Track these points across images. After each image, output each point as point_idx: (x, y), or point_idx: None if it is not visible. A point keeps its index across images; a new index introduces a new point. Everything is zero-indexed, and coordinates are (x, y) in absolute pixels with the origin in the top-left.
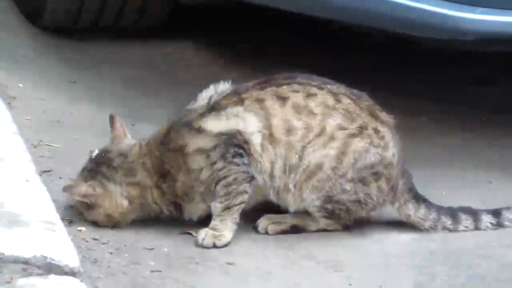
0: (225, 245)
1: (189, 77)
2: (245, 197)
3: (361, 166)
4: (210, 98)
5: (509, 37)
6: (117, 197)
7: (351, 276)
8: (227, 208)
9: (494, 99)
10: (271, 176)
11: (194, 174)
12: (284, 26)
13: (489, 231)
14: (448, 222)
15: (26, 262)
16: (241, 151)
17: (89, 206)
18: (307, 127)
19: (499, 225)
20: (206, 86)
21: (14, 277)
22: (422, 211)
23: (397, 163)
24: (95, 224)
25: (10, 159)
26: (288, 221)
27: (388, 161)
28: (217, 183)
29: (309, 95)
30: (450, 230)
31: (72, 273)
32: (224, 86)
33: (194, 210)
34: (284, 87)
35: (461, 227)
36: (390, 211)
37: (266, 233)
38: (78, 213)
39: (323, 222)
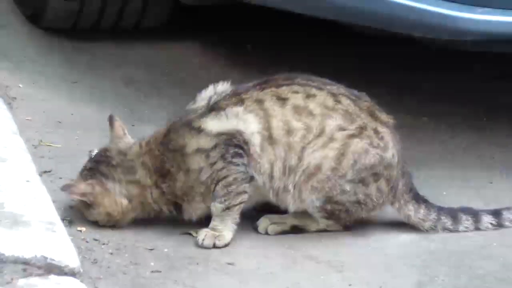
0: (226, 245)
1: (189, 77)
2: (245, 197)
3: (360, 167)
4: (210, 98)
5: (509, 37)
6: (116, 196)
7: (352, 276)
8: (227, 208)
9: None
10: (271, 177)
11: (194, 174)
12: (284, 26)
13: (490, 231)
14: (448, 222)
15: (26, 262)
16: (240, 151)
17: (89, 205)
18: (306, 128)
19: (499, 225)
20: (206, 86)
21: (15, 277)
22: (422, 211)
23: (397, 164)
24: (96, 223)
25: (11, 160)
26: (288, 221)
27: (387, 162)
28: (217, 183)
29: (308, 96)
30: (450, 231)
31: (72, 273)
32: (223, 87)
33: (194, 210)
34: (284, 87)
35: (461, 228)
36: (390, 212)
37: (266, 233)
38: (78, 213)
39: (323, 223)
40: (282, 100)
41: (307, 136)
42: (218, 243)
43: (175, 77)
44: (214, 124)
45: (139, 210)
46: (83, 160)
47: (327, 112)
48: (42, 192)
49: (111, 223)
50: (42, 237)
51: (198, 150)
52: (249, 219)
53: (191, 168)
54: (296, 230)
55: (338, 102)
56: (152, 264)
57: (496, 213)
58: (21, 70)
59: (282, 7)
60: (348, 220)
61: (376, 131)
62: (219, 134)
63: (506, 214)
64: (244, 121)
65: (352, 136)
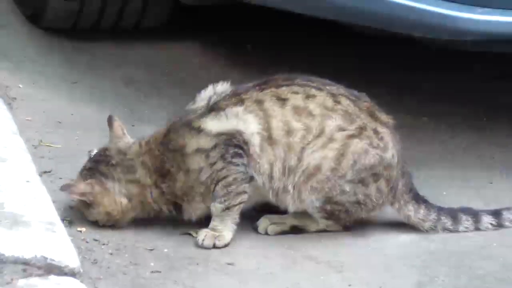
0: (225, 246)
1: (189, 77)
2: (245, 197)
3: (360, 167)
4: (210, 98)
5: (509, 37)
6: (116, 195)
7: (351, 276)
8: (227, 208)
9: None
10: (270, 177)
11: (194, 174)
12: (284, 26)
13: (490, 231)
14: (448, 223)
15: (26, 262)
16: (240, 151)
17: (89, 205)
18: (306, 128)
19: (499, 225)
20: (206, 86)
21: (14, 277)
22: (422, 211)
23: (397, 164)
24: (95, 223)
25: (11, 160)
26: (288, 221)
27: (387, 162)
28: (216, 184)
29: (308, 97)
30: (450, 231)
31: (72, 273)
32: (223, 87)
33: (194, 210)
34: (284, 88)
35: (461, 228)
36: (390, 212)
37: (266, 233)
38: (78, 213)
39: (323, 223)
40: (282, 100)
41: (306, 136)
42: (218, 243)
43: (175, 77)
44: (214, 124)
45: (139, 209)
46: (83, 160)
47: (327, 112)
48: (42, 192)
49: (111, 223)
50: (42, 238)
51: (198, 150)
52: (249, 219)
53: (191, 168)
54: (295, 230)
55: (338, 102)
56: (152, 264)
57: (496, 213)
58: (21, 70)
59: (282, 7)
60: (348, 220)
61: (375, 132)
62: (219, 134)
63: (506, 214)
64: (244, 121)
65: (351, 136)
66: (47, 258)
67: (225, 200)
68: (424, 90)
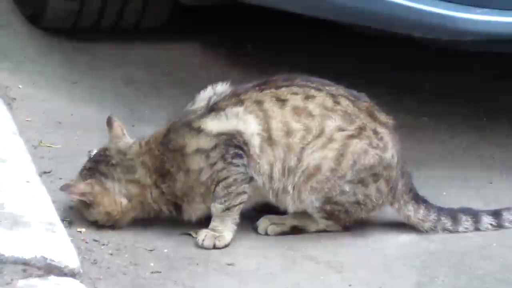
0: (225, 246)
1: (189, 77)
2: (245, 197)
3: (360, 167)
4: (209, 99)
5: (508, 37)
6: (115, 195)
7: (351, 276)
8: (227, 209)
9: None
10: (270, 177)
11: (194, 174)
12: (284, 26)
13: (490, 232)
14: (448, 223)
15: (26, 263)
16: (240, 152)
17: (88, 205)
18: (306, 129)
19: (499, 226)
20: (206, 86)
21: (14, 278)
22: (422, 212)
23: (397, 164)
24: (95, 223)
25: (11, 160)
26: (288, 222)
27: (387, 162)
28: (217, 184)
29: (308, 97)
30: (450, 231)
31: (72, 274)
32: (222, 87)
33: (194, 211)
34: (283, 89)
35: (461, 228)
36: (390, 212)
37: (266, 234)
38: (78, 213)
39: (322, 223)
40: (282, 101)
41: (306, 137)
42: (218, 243)
43: (175, 77)
44: (213, 125)
45: (139, 210)
46: (83, 161)
47: (326, 113)
48: (42, 193)
49: (111, 223)
50: (42, 238)
51: (198, 151)
52: (249, 219)
53: (191, 168)
54: (295, 230)
55: (337, 103)
56: (152, 264)
57: (496, 214)
58: (21, 71)
59: (282, 7)
60: (348, 220)
61: (375, 132)
62: (219, 135)
63: (506, 215)
64: (244, 121)
65: (351, 136)
66: (47, 259)
67: (225, 201)
68: (424, 90)
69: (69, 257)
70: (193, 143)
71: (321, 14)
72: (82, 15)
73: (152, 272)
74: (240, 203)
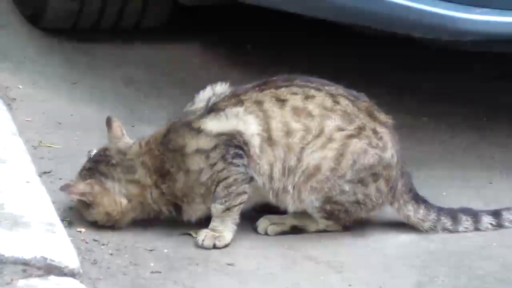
0: (225, 246)
1: (189, 77)
2: (245, 197)
3: (359, 167)
4: (209, 99)
5: (508, 37)
6: (115, 195)
7: (351, 276)
8: (228, 209)
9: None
10: (270, 177)
11: (194, 175)
12: (284, 26)
13: (489, 232)
14: (448, 223)
15: (26, 263)
16: (241, 152)
17: (88, 205)
18: (305, 129)
19: (499, 226)
20: (206, 86)
21: (14, 278)
22: (422, 211)
23: (396, 164)
24: (95, 224)
25: (11, 161)
26: (288, 222)
27: (386, 162)
28: (217, 185)
29: (307, 97)
30: (450, 231)
31: (72, 274)
32: (222, 88)
33: (194, 211)
34: (283, 89)
35: (461, 228)
36: (389, 212)
37: (266, 233)
38: (78, 214)
39: (322, 223)
40: (281, 101)
41: (306, 137)
42: (218, 243)
43: (175, 77)
44: (213, 125)
45: (139, 210)
46: (83, 161)
47: (326, 113)
48: (42, 193)
49: (110, 223)
50: (42, 238)
51: (198, 151)
52: (249, 219)
53: (191, 168)
54: (295, 230)
55: (337, 102)
56: (152, 264)
57: (496, 214)
58: (21, 71)
59: (282, 7)
60: (348, 220)
61: (375, 131)
62: (219, 135)
63: (506, 215)
64: (244, 122)
65: (351, 136)
66: (47, 259)
67: (225, 201)
68: (424, 90)
69: (69, 257)
70: (193, 143)
71: (321, 14)
72: (82, 15)
73: (152, 272)
74: (240, 203)
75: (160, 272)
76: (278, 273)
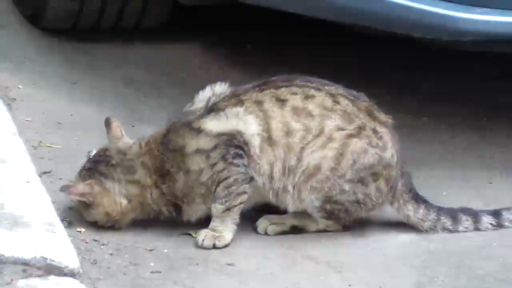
0: (225, 246)
1: (189, 77)
2: (245, 197)
3: (359, 167)
4: (208, 99)
5: (508, 37)
6: (115, 195)
7: (351, 276)
8: (228, 209)
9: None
10: (270, 177)
11: (194, 175)
12: (284, 26)
13: (489, 231)
14: (447, 222)
15: (26, 263)
16: (241, 152)
17: (88, 206)
18: (305, 129)
19: (499, 225)
20: (206, 86)
21: (14, 278)
22: (422, 211)
23: (396, 164)
24: (95, 224)
25: (11, 161)
26: (288, 221)
27: (386, 162)
28: (217, 185)
29: (307, 97)
30: (450, 231)
31: (72, 274)
32: (221, 88)
33: (194, 211)
34: (283, 89)
35: (461, 228)
36: (389, 212)
37: (266, 233)
38: (78, 214)
39: (322, 223)
40: (281, 101)
41: (306, 136)
42: (218, 243)
43: (175, 77)
44: (213, 125)
45: (139, 210)
46: (82, 161)
47: (326, 112)
48: (42, 193)
49: (110, 224)
50: (42, 238)
51: (198, 151)
52: (249, 219)
53: (191, 168)
54: (295, 230)
55: (337, 102)
56: (152, 264)
57: (496, 214)
58: (21, 71)
59: (282, 7)
60: (348, 220)
61: (374, 131)
62: (219, 135)
63: (505, 215)
64: (245, 122)
65: (351, 136)
66: (46, 259)
67: (226, 201)
68: (424, 90)
69: (69, 257)
70: (193, 143)
71: (321, 14)
72: (82, 15)
73: (152, 272)
74: (241, 203)
75: (160, 272)
76: (278, 273)
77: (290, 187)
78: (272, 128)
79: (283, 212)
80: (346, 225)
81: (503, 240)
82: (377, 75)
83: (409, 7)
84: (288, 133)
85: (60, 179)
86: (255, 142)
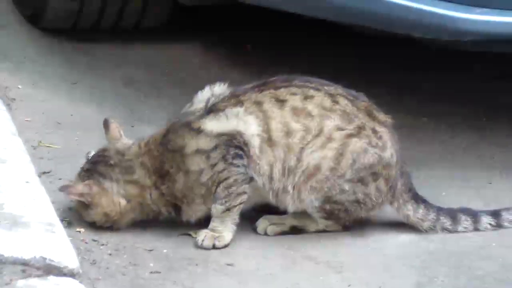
0: (225, 246)
1: (189, 77)
2: (244, 197)
3: (359, 166)
4: (208, 100)
5: (508, 37)
6: (114, 195)
7: (351, 276)
8: (228, 209)
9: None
10: (270, 178)
11: (194, 175)
12: (284, 26)
13: (489, 232)
14: (447, 223)
15: (25, 263)
16: (241, 152)
17: (87, 206)
18: (305, 129)
19: (498, 226)
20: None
21: (14, 278)
22: (421, 211)
23: (396, 163)
24: (94, 224)
25: (10, 161)
26: (288, 222)
27: (386, 161)
28: (218, 185)
29: (306, 97)
30: (449, 231)
31: (71, 274)
32: (220, 88)
33: (193, 212)
34: (282, 89)
35: (460, 228)
36: (389, 212)
37: (266, 234)
38: (77, 214)
39: (322, 223)
40: (281, 102)
41: (306, 137)
42: (217, 243)
43: (175, 77)
44: (213, 125)
45: (138, 211)
46: (82, 161)
47: (325, 113)
48: (42, 193)
49: (109, 224)
50: (41, 238)
51: (198, 151)
52: (248, 220)
53: (190, 169)
54: (295, 230)
55: (336, 102)
56: (151, 265)
57: (495, 214)
58: (20, 71)
59: (282, 7)
60: (348, 220)
61: (374, 131)
62: (220, 135)
63: (505, 215)
64: (245, 122)
65: (350, 135)
66: (46, 259)
67: (226, 202)
68: (424, 90)
69: (68, 257)
70: (192, 143)
71: (321, 14)
72: (82, 15)
73: (152, 273)
74: (240, 204)
75: (160, 273)
76: (278, 273)
77: (290, 188)
78: (272, 128)
79: (283, 212)
80: (346, 225)
81: (503, 241)
82: (377, 75)
83: (408, 7)
84: (288, 133)
85: (60, 179)
86: (255, 142)
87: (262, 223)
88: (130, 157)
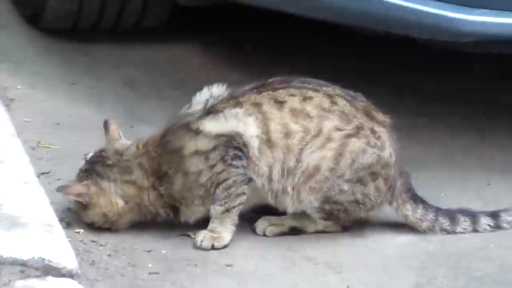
0: (224, 247)
1: (189, 77)
2: (244, 198)
3: (358, 166)
4: (206, 101)
5: (507, 38)
6: (111, 195)
7: (350, 277)
8: (227, 210)
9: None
10: (269, 179)
11: (192, 176)
12: (284, 26)
13: (487, 233)
14: (446, 223)
15: (24, 264)
16: (240, 153)
17: (85, 207)
18: (304, 130)
19: (497, 227)
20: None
21: (12, 279)
22: (420, 211)
23: (395, 163)
24: (93, 225)
25: (9, 161)
26: (287, 223)
27: (385, 161)
28: (217, 186)
29: (305, 98)
30: (448, 232)
31: (70, 275)
32: (219, 90)
33: (192, 213)
34: (281, 91)
35: (459, 229)
36: (388, 212)
37: (265, 235)
38: (76, 215)
39: (321, 224)
40: (280, 103)
41: (305, 138)
42: (216, 244)
43: (175, 78)
44: (212, 126)
45: (136, 212)
46: (81, 162)
47: (324, 113)
48: (40, 194)
49: (107, 225)
50: (40, 239)
51: (197, 152)
52: (248, 220)
53: (189, 170)
54: (294, 231)
55: (334, 103)
56: (150, 266)
57: (494, 215)
58: (20, 71)
59: (281, 8)
60: (347, 220)
61: (373, 131)
62: (219, 136)
63: (504, 216)
64: (244, 123)
65: (349, 136)
66: (45, 259)
67: (225, 203)
68: (424, 90)
69: (67, 258)
70: (191, 144)
71: (320, 15)
72: (82, 15)
73: (150, 273)
74: (239, 204)
75: (158, 273)
76: (277, 274)
77: (289, 188)
78: (271, 130)
79: (282, 213)
80: (345, 226)
81: (501, 242)
82: (377, 75)
83: (408, 8)
84: (287, 134)
85: (59, 179)
86: (254, 144)
87: (261, 224)
88: (128, 158)
